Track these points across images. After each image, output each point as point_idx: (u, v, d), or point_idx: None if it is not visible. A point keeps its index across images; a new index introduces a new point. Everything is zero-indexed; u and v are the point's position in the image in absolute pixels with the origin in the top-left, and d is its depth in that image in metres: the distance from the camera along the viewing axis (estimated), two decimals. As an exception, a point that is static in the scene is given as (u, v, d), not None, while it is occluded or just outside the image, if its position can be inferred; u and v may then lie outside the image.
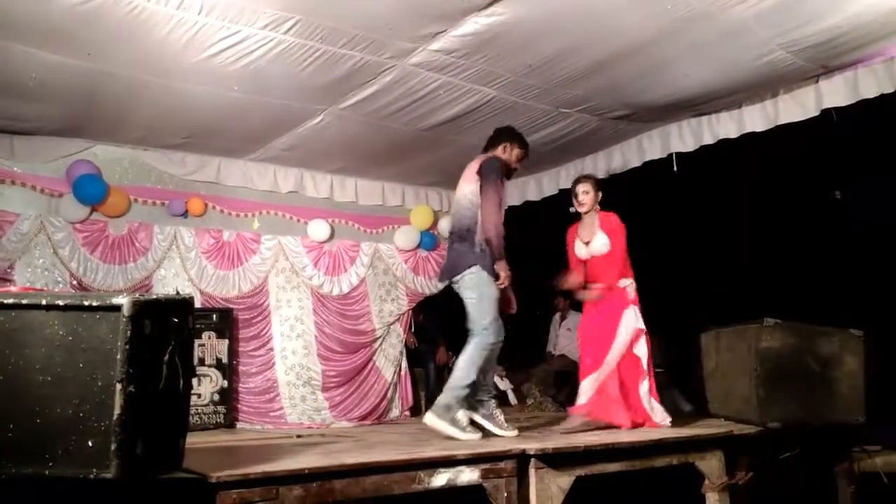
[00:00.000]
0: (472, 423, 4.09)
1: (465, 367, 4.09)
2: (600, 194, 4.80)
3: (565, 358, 7.56)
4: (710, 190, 6.73)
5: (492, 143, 4.58)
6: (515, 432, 4.22)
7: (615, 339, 4.54)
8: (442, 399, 4.09)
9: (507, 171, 4.55)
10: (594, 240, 4.70)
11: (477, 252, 4.18)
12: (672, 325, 7.21)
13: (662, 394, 6.98)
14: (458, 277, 4.23)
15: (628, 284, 4.67)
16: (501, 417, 4.26)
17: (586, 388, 4.55)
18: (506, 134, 4.58)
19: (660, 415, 4.55)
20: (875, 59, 4.68)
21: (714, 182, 6.63)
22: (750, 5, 4.04)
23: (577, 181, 4.88)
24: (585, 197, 4.76)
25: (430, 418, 4.06)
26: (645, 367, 4.57)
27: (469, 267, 4.17)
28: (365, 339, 6.90)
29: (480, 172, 4.30)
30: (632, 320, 4.59)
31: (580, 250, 4.78)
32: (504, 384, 7.24)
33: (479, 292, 4.13)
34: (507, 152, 4.53)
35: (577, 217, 4.85)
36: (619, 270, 4.65)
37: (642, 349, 4.58)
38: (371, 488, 3.05)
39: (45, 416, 2.37)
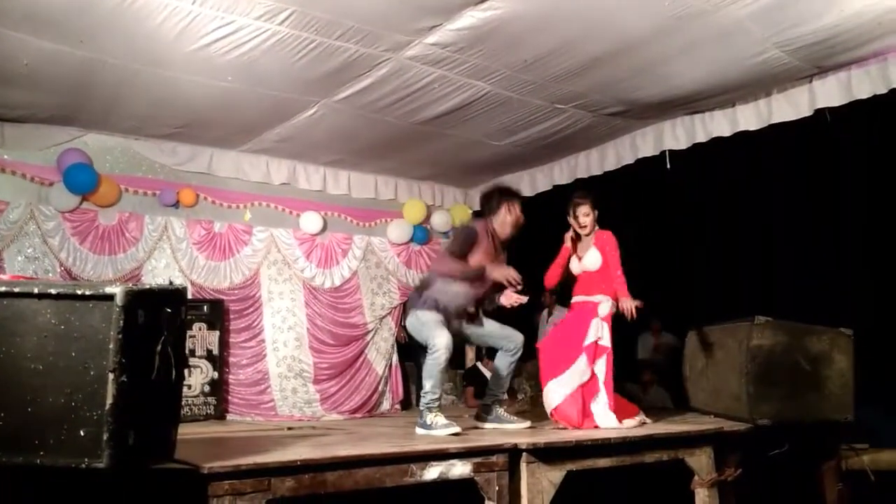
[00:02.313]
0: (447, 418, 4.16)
1: (424, 381, 4.26)
2: (597, 212, 4.73)
3: (555, 353, 7.58)
4: (703, 187, 6.76)
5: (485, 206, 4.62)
6: (527, 423, 4.39)
7: (577, 358, 4.45)
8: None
9: (499, 237, 4.50)
10: (587, 255, 4.67)
11: (418, 301, 4.39)
12: (662, 322, 7.28)
13: (650, 391, 7.06)
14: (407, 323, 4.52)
15: (602, 302, 4.55)
16: (507, 415, 4.45)
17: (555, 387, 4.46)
18: (495, 196, 4.57)
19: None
20: (869, 59, 4.70)
21: (706, 180, 6.66)
22: (745, 4, 4.04)
23: (578, 204, 4.72)
24: (587, 219, 4.68)
25: (417, 430, 4.16)
26: (601, 385, 4.43)
27: (411, 312, 4.44)
28: (357, 332, 6.90)
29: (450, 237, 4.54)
30: (594, 333, 4.48)
31: (574, 265, 4.75)
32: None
33: (417, 330, 4.37)
34: (501, 215, 4.51)
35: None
36: (603, 288, 4.58)
37: (601, 367, 4.46)
38: (363, 481, 3.05)
39: (37, 405, 2.36)
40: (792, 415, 4.41)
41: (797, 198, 6.19)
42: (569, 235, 4.75)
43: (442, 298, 4.31)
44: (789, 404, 4.42)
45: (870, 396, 4.69)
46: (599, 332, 4.48)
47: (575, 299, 4.74)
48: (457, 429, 3.95)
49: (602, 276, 4.61)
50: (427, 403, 4.16)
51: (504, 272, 4.32)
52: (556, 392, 4.43)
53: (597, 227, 4.71)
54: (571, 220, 4.74)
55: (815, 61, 4.76)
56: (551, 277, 4.82)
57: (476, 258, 4.36)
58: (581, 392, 4.41)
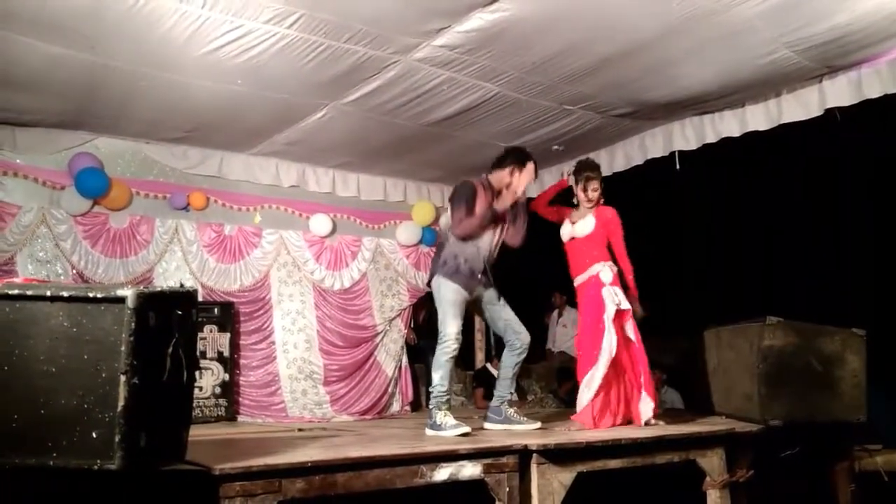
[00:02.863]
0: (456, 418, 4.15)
1: (433, 373, 4.27)
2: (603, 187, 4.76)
3: (564, 354, 7.57)
4: (713, 188, 6.73)
5: (497, 163, 4.53)
6: (537, 424, 4.36)
7: (604, 334, 4.43)
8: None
9: (495, 192, 4.44)
10: (581, 221, 4.66)
11: (439, 263, 4.36)
12: (673, 323, 7.24)
13: (660, 392, 7.03)
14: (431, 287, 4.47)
15: (601, 269, 4.55)
16: (517, 415, 4.42)
17: (583, 388, 4.48)
18: (510, 156, 4.49)
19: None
20: (880, 59, 4.67)
21: (716, 180, 6.63)
22: (755, 4, 4.03)
23: (590, 178, 4.71)
24: (595, 194, 4.70)
25: (426, 431, 4.15)
26: (640, 353, 4.48)
27: (433, 276, 4.40)
28: (366, 333, 6.91)
29: (450, 199, 4.49)
30: (611, 301, 4.45)
31: (565, 229, 4.74)
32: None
33: (436, 299, 4.35)
34: (503, 175, 4.45)
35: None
36: (596, 255, 4.58)
37: (631, 329, 4.48)
38: (373, 482, 3.05)
39: (50, 408, 2.38)
40: (804, 415, 4.38)
41: (807, 198, 6.16)
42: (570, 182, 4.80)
43: (461, 255, 4.29)
44: (801, 405, 4.38)
45: (883, 397, 4.65)
46: (615, 297, 4.47)
47: (577, 282, 4.69)
48: (466, 429, 3.95)
49: (593, 244, 4.60)
50: (437, 399, 4.15)
51: (512, 194, 4.33)
52: (582, 394, 4.47)
53: (601, 201, 4.73)
54: (580, 191, 4.72)
55: (825, 61, 4.74)
56: (542, 199, 4.89)
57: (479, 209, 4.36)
58: (609, 387, 4.42)
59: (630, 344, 4.53)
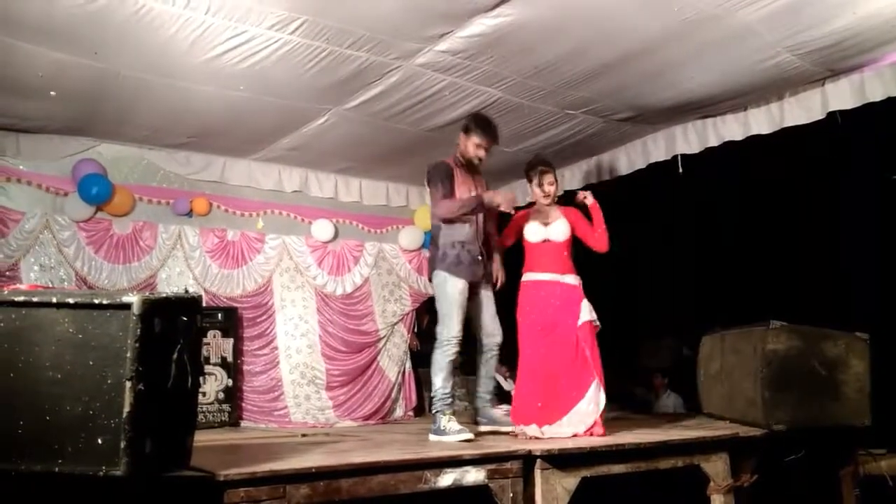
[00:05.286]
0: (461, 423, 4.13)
1: (434, 377, 4.25)
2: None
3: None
4: (715, 192, 6.72)
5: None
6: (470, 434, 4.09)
7: (588, 348, 4.26)
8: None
9: (466, 162, 4.45)
10: (555, 224, 4.48)
11: (438, 256, 4.32)
12: (676, 327, 7.24)
13: (662, 396, 7.01)
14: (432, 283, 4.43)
15: (578, 282, 4.43)
16: (502, 416, 4.32)
17: (589, 402, 4.19)
18: (463, 123, 4.50)
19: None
20: (882, 62, 4.67)
21: (719, 184, 6.62)
22: (757, 8, 4.03)
23: (545, 172, 4.55)
24: (551, 188, 4.56)
25: (430, 437, 4.12)
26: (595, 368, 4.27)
27: (433, 272, 4.37)
28: (369, 338, 6.91)
29: (427, 182, 4.51)
30: (588, 314, 4.32)
31: (536, 232, 4.48)
32: (508, 385, 7.24)
33: (437, 295, 4.32)
34: (462, 143, 4.47)
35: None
36: (570, 264, 4.45)
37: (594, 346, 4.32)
38: (378, 488, 3.05)
39: (55, 414, 2.38)
40: (808, 420, 4.37)
41: (810, 201, 6.15)
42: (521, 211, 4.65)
43: (457, 239, 4.27)
44: (805, 409, 4.38)
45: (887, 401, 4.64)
46: (593, 313, 4.34)
47: (540, 276, 4.41)
48: (469, 435, 3.94)
49: (567, 249, 4.46)
50: (440, 402, 4.12)
51: (505, 197, 4.34)
52: (590, 407, 4.21)
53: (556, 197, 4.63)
54: (535, 188, 4.59)
55: (827, 64, 4.75)
56: (505, 238, 4.70)
57: (459, 191, 4.35)
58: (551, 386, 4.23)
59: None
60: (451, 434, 3.96)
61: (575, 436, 4.12)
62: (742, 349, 4.73)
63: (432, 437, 4.07)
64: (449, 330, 4.21)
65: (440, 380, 4.18)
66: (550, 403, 4.19)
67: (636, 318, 7.25)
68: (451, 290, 4.25)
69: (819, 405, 4.42)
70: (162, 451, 2.54)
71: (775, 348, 4.42)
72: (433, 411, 4.25)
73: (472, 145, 4.43)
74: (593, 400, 4.20)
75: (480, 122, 4.46)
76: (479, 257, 4.36)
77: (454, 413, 4.18)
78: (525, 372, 4.32)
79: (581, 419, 4.18)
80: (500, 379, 6.63)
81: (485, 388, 4.48)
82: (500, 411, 4.41)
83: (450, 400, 4.17)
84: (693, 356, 5.48)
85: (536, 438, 4.03)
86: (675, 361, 7.18)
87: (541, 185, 4.57)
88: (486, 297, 4.48)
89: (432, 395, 4.30)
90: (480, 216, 4.43)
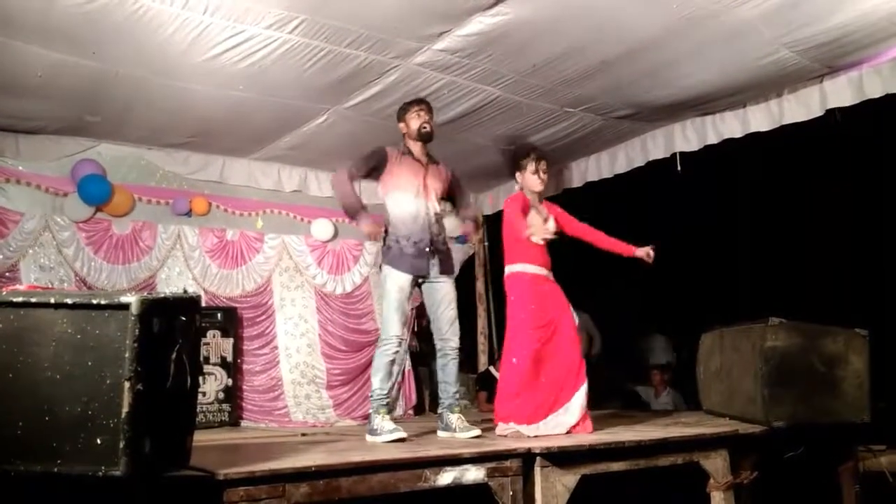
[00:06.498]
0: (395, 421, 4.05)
1: (372, 374, 4.13)
2: None
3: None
4: (714, 189, 6.73)
5: None
6: (476, 431, 4.02)
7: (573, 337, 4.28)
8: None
9: (415, 150, 4.29)
10: (551, 221, 4.37)
11: (383, 250, 4.22)
12: (675, 324, 7.25)
13: (662, 394, 7.02)
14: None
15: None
16: (459, 422, 4.09)
17: (579, 397, 4.24)
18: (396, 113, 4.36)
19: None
20: (881, 58, 4.67)
21: (718, 181, 6.63)
22: (755, 5, 4.04)
23: (541, 158, 4.41)
24: (545, 177, 4.45)
25: (367, 437, 4.01)
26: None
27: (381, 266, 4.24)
28: (368, 338, 6.89)
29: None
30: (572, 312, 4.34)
31: (541, 227, 4.30)
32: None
33: (381, 292, 4.18)
34: (404, 126, 4.33)
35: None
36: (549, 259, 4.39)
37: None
38: (378, 486, 3.05)
39: (54, 414, 2.37)
40: (807, 416, 4.37)
41: (809, 198, 6.16)
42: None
43: (401, 231, 4.09)
44: (805, 406, 4.38)
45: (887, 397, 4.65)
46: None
47: (537, 270, 4.33)
48: (402, 434, 3.86)
49: (548, 251, 4.38)
50: (376, 402, 4.02)
51: (371, 228, 4.07)
52: (576, 403, 4.24)
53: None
54: (529, 175, 4.39)
55: (826, 61, 4.74)
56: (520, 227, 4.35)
57: (393, 181, 4.19)
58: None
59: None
60: (383, 434, 3.87)
61: (569, 432, 4.14)
62: (741, 346, 4.73)
63: (368, 438, 3.98)
64: (387, 329, 4.05)
65: (377, 380, 4.04)
66: (545, 399, 4.19)
67: (635, 316, 7.27)
68: (389, 286, 4.09)
69: (819, 401, 4.42)
70: (161, 450, 2.54)
71: (775, 345, 4.42)
72: (370, 410, 4.12)
73: (411, 118, 4.26)
74: (583, 395, 4.25)
75: (406, 102, 4.36)
76: (427, 249, 4.12)
77: (389, 412, 4.07)
78: (517, 366, 4.21)
79: (573, 415, 4.21)
80: (496, 374, 6.62)
81: (445, 394, 4.22)
82: (455, 417, 4.12)
83: (386, 400, 4.05)
84: (692, 353, 5.49)
85: (528, 436, 4.02)
86: (674, 359, 7.19)
87: (537, 171, 4.39)
88: (444, 295, 4.22)
89: (370, 394, 4.14)
90: (428, 206, 4.20)
